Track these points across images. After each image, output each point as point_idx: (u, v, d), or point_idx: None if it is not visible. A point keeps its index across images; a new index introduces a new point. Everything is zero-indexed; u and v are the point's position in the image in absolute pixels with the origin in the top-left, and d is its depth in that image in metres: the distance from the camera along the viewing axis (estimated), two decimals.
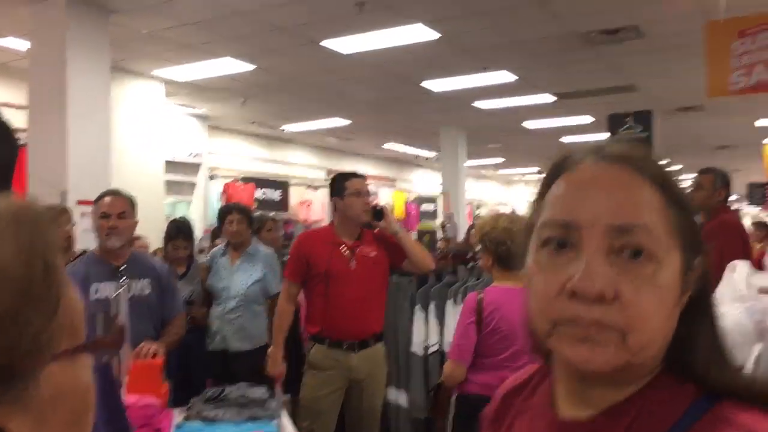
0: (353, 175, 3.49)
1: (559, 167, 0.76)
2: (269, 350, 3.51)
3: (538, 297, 0.71)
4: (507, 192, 23.48)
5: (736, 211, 4.20)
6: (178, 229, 4.43)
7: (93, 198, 5.34)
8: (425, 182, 18.23)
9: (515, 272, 2.75)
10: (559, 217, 0.71)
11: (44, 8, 5.70)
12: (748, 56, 5.19)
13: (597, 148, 0.75)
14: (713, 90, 5.39)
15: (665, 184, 0.73)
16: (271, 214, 12.75)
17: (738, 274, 2.73)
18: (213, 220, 11.04)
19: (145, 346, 2.78)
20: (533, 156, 16.75)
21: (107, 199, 3.07)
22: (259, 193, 12.61)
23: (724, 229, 3.68)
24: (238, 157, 12.38)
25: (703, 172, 4.10)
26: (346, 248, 3.35)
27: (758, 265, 6.29)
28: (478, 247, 2.92)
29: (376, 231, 3.46)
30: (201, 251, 7.67)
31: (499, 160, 17.40)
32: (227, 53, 7.25)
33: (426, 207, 17.94)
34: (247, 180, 12.25)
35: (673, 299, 0.70)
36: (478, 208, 20.26)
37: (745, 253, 3.57)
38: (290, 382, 3.74)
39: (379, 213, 3.37)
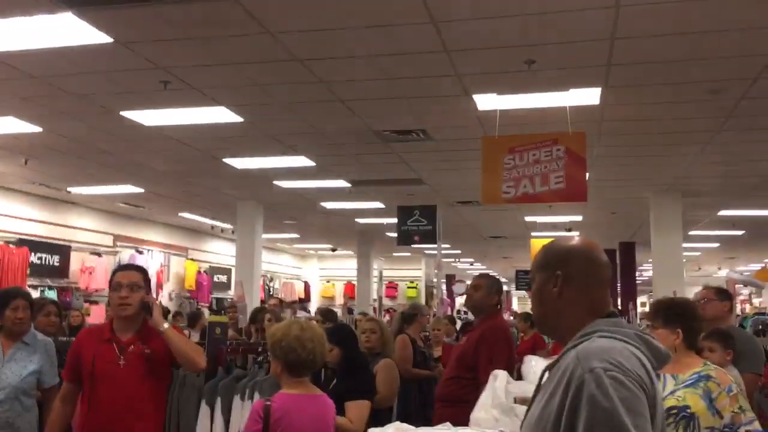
0: (126, 267, 3.42)
1: None
2: None
3: None
4: (301, 265, 23.76)
5: (502, 316, 4.69)
6: None
7: None
8: (221, 252, 17.91)
9: (304, 380, 2.86)
10: None
11: None
12: (516, 170, 5.93)
13: None
14: (486, 197, 6.08)
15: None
16: (48, 282, 11.80)
17: (498, 382, 3.05)
18: None
19: None
20: (328, 233, 17.27)
21: None
22: (35, 258, 11.59)
23: (495, 334, 4.08)
24: (12, 217, 11.33)
25: (481, 277, 4.55)
26: (117, 345, 3.18)
27: (532, 351, 6.97)
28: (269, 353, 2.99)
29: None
30: None
31: (295, 235, 17.67)
32: (10, 113, 6.77)
33: (219, 278, 17.59)
34: (20, 243, 11.22)
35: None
36: (271, 280, 20.26)
37: (510, 357, 4.00)
38: None
39: (146, 307, 3.22)
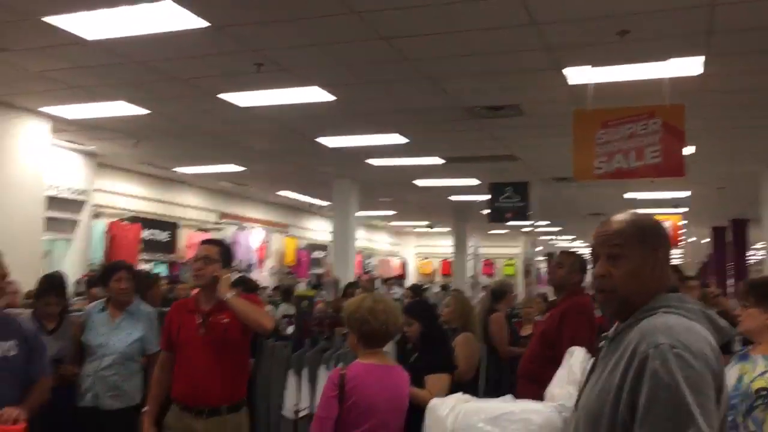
0: (205, 241, 3.61)
1: None
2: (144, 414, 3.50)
3: None
4: (398, 241, 23.98)
5: (588, 295, 4.60)
6: (50, 285, 4.35)
7: None
8: (319, 229, 18.38)
9: (378, 350, 2.95)
10: None
11: None
12: (610, 145, 5.75)
13: None
14: (578, 173, 5.92)
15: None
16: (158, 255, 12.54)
17: (575, 359, 3.02)
18: (94, 258, 10.70)
19: (7, 411, 2.74)
20: (424, 211, 17.33)
21: None
22: (146, 234, 12.33)
23: (577, 312, 4.01)
24: (126, 196, 12.09)
25: (565, 254, 4.48)
26: (200, 315, 3.42)
27: None
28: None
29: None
30: (79, 294, 7.44)
31: (390, 212, 17.85)
32: (120, 97, 7.20)
33: (317, 254, 18.07)
34: (134, 220, 11.96)
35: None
36: (369, 257, 20.59)
37: (591, 335, 3.89)
38: None
39: (214, 279, 3.41)
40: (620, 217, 1.79)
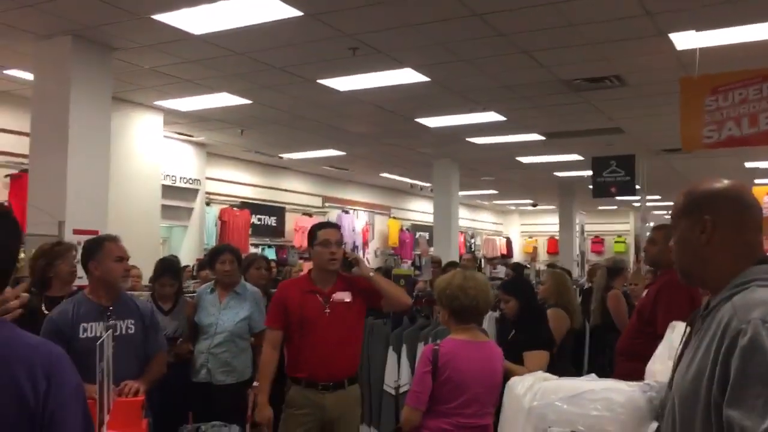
0: (325, 224, 3.72)
1: None
2: (256, 394, 3.65)
3: None
4: (502, 220, 23.71)
5: None
6: (165, 268, 4.63)
7: (87, 227, 5.64)
8: (421, 210, 18.46)
9: (470, 326, 2.97)
10: None
11: (50, 45, 5.96)
12: (720, 112, 5.44)
13: None
14: (687, 143, 5.65)
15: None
16: (266, 240, 13.02)
17: (676, 333, 2.91)
18: (207, 243, 11.27)
19: (128, 385, 2.97)
20: (527, 188, 17.02)
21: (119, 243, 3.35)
22: (255, 219, 12.83)
23: (673, 287, 3.83)
24: (235, 183, 12.62)
25: (656, 228, 4.28)
26: (320, 296, 3.54)
27: None
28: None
29: (348, 275, 3.66)
30: (194, 278, 7.87)
31: (493, 191, 17.65)
32: (224, 89, 7.52)
33: (421, 235, 18.15)
34: (243, 206, 12.48)
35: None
36: (472, 237, 20.49)
37: (689, 310, 3.64)
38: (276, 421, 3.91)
39: (349, 264, 3.59)
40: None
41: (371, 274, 3.61)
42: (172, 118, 8.92)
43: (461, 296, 2.90)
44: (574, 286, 6.50)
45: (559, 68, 6.67)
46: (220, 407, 4.10)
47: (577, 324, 4.98)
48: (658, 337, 3.64)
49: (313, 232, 3.62)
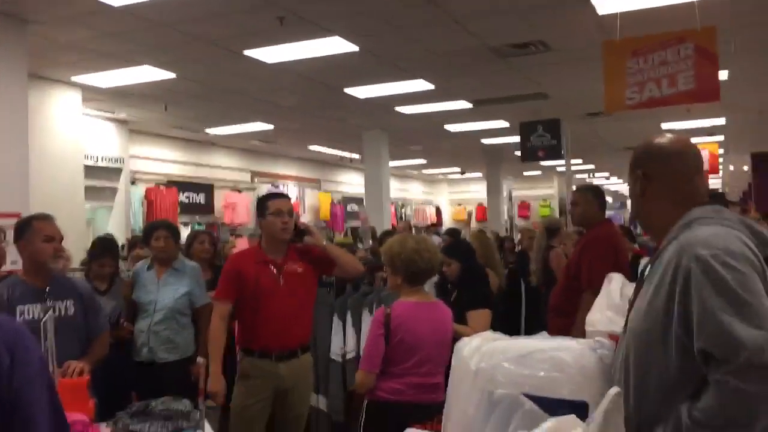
0: (275, 195, 3.70)
1: None
2: (206, 367, 3.61)
3: None
4: (431, 190, 23.97)
5: (611, 223, 4.57)
6: (106, 248, 4.50)
7: (8, 209, 5.39)
8: (352, 183, 18.45)
9: (420, 288, 3.02)
10: None
11: None
12: (641, 74, 5.64)
13: None
14: (609, 104, 5.85)
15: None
16: (196, 218, 12.76)
17: (614, 284, 3.05)
18: (134, 224, 10.95)
19: (72, 365, 2.89)
20: (455, 157, 17.24)
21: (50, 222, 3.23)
22: (183, 197, 12.54)
23: (596, 244, 4.03)
24: (161, 161, 12.27)
25: (577, 191, 4.48)
26: (274, 267, 3.53)
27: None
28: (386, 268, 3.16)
29: (300, 245, 3.64)
30: (123, 259, 7.65)
31: (422, 161, 17.80)
32: (147, 62, 7.27)
33: (352, 207, 18.17)
34: (170, 184, 12.17)
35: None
36: (402, 206, 20.65)
37: (617, 264, 3.66)
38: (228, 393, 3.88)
39: (302, 233, 3.57)
40: None
41: (325, 242, 3.64)
42: (92, 94, 8.57)
43: (418, 260, 2.95)
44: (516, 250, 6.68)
45: (486, 35, 6.75)
46: (165, 385, 4.01)
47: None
48: (583, 291, 3.81)
49: (263, 203, 3.60)
